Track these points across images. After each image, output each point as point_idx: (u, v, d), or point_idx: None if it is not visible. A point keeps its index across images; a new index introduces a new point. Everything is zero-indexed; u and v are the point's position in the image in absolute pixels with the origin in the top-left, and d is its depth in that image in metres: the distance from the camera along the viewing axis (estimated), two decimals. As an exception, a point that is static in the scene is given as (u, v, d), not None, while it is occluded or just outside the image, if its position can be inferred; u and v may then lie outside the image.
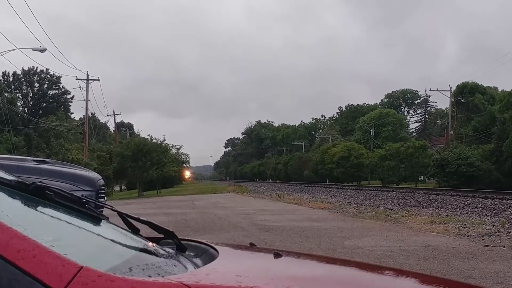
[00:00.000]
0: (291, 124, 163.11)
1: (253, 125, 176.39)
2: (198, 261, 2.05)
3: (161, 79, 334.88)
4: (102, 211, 3.03)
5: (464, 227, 15.49)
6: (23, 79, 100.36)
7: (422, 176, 65.53)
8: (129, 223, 2.27)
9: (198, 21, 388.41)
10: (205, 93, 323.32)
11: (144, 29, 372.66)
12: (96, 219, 2.08)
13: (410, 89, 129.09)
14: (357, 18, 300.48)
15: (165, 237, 2.30)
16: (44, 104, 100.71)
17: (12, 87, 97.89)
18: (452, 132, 68.25)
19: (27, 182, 1.90)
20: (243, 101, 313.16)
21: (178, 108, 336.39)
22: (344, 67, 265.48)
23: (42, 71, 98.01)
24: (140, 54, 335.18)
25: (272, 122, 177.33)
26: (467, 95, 77.00)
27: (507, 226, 15.73)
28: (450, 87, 69.30)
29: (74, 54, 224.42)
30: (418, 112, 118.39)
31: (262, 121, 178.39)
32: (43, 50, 40.35)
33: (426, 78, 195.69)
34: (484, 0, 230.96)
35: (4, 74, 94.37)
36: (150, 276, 1.59)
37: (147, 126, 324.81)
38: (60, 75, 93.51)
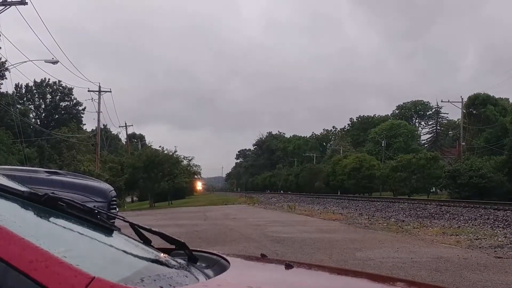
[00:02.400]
0: (302, 136, 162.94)
1: (265, 137, 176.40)
2: (209, 272, 2.05)
3: (175, 91, 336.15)
4: (113, 222, 3.04)
5: (476, 239, 15.39)
6: (35, 91, 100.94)
7: (433, 188, 65.29)
8: (141, 234, 2.28)
9: (213, 32, 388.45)
10: (218, 105, 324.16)
11: (158, 40, 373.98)
12: (108, 230, 2.09)
13: (422, 100, 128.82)
14: (375, 29, 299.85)
15: (177, 248, 2.30)
16: (56, 116, 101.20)
17: (25, 98, 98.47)
18: (464, 143, 67.96)
19: (40, 193, 1.91)
20: (256, 113, 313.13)
21: (190, 120, 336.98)
22: (360, 78, 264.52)
23: (54, 82, 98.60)
24: (153, 66, 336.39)
25: (283, 133, 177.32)
26: (479, 106, 76.81)
27: (520, 238, 15.61)
28: (462, 99, 69.08)
29: (88, 66, 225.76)
30: (430, 123, 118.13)
31: (273, 133, 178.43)
32: (55, 62, 40.59)
33: (444, 89, 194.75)
34: (507, 10, 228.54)
35: (17, 86, 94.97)
36: (162, 287, 1.59)
37: (159, 138, 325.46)
38: (72, 86, 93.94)
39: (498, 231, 17.73)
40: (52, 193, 1.93)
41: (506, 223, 20.38)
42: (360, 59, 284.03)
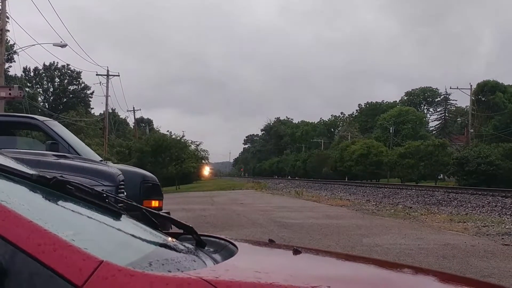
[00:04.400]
0: (310, 121, 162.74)
1: (272, 122, 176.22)
2: (217, 256, 2.05)
3: (183, 75, 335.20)
4: (122, 206, 3.05)
5: (484, 226, 15.38)
6: (44, 74, 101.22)
7: (441, 175, 65.23)
8: (149, 218, 2.28)
9: (225, 16, 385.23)
10: (226, 90, 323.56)
11: (170, 24, 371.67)
12: (116, 214, 2.09)
13: (430, 87, 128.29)
14: (390, 15, 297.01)
15: (185, 232, 2.30)
16: (65, 99, 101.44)
17: (33, 82, 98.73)
18: (472, 130, 67.81)
19: (48, 177, 1.91)
20: (264, 98, 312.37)
21: (199, 105, 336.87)
22: (372, 64, 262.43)
23: (63, 66, 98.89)
24: (164, 50, 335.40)
25: (292, 119, 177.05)
26: (488, 93, 76.54)
27: (527, 225, 15.59)
28: (471, 85, 68.78)
29: (97, 49, 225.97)
30: (438, 110, 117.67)
31: (282, 118, 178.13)
32: (63, 46, 40.58)
33: (457, 76, 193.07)
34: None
35: (25, 69, 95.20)
36: (170, 271, 1.59)
37: (167, 122, 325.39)
38: (81, 70, 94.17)
39: (506, 218, 17.71)
40: (61, 176, 1.93)
41: (514, 210, 20.35)
42: (372, 45, 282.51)
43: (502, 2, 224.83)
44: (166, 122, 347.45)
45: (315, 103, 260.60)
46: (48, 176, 1.91)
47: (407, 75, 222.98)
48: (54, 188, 1.89)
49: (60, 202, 1.88)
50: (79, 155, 9.27)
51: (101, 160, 10.05)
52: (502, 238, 12.74)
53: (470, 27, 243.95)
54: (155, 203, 9.75)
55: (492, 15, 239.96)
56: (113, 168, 8.04)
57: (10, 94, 10.71)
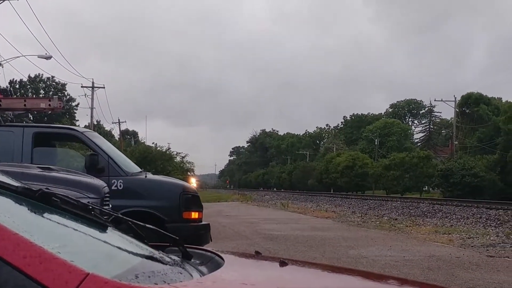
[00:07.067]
0: (296, 133, 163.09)
1: (258, 134, 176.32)
2: (203, 268, 2.04)
3: (171, 86, 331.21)
4: (108, 218, 3.03)
5: (469, 238, 15.45)
6: (29, 86, 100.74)
7: (426, 186, 65.49)
8: (135, 231, 2.27)
9: (217, 25, 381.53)
10: (212, 102, 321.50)
11: (158, 32, 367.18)
12: (102, 226, 2.09)
13: (415, 99, 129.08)
14: (381, 25, 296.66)
15: (171, 244, 2.30)
16: (50, 111, 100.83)
17: (18, 94, 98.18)
18: (456, 142, 68.10)
19: (34, 189, 1.90)
20: (250, 110, 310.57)
21: (184, 117, 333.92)
22: (360, 75, 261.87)
23: (48, 78, 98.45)
24: (149, 60, 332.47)
25: (277, 131, 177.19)
26: (472, 105, 77.03)
27: (511, 236, 15.68)
28: (455, 98, 69.18)
29: (83, 60, 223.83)
30: (423, 122, 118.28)
31: (267, 130, 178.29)
32: (48, 58, 40.47)
33: (445, 87, 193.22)
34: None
35: (11, 81, 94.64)
36: (156, 284, 1.59)
37: (152, 134, 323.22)
38: (66, 82, 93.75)
39: (490, 230, 17.81)
40: (46, 188, 1.93)
41: (498, 222, 20.47)
42: (361, 56, 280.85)
43: (491, 15, 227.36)
44: (152, 134, 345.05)
45: (302, 114, 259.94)
46: (33, 188, 1.90)
47: (395, 86, 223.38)
48: (39, 201, 1.88)
49: (45, 215, 1.87)
50: (119, 166, 9.39)
51: (140, 171, 10.15)
52: (487, 250, 12.81)
53: (458, 39, 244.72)
54: (194, 215, 9.80)
55: (479, 29, 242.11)
56: (98, 180, 7.99)
57: (50, 105, 10.68)
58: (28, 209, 1.88)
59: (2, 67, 38.07)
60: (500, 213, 23.73)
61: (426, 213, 27.08)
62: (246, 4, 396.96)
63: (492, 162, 50.79)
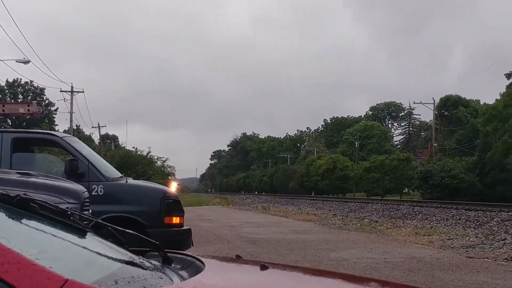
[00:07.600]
0: (277, 137, 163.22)
1: (239, 137, 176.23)
2: (184, 273, 2.04)
3: (151, 90, 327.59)
4: (87, 223, 3.01)
5: (448, 239, 15.56)
6: (7, 91, 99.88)
7: (406, 188, 65.78)
8: (115, 236, 2.26)
9: (198, 29, 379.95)
10: (193, 106, 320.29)
11: (138, 36, 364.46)
12: (81, 232, 2.07)
13: (394, 101, 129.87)
14: (361, 29, 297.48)
15: (151, 249, 2.29)
16: (29, 116, 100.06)
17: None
18: (435, 144, 68.55)
19: (12, 195, 1.88)
20: (231, 113, 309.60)
21: (165, 121, 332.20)
22: (341, 79, 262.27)
23: (26, 82, 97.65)
24: (130, 64, 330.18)
25: (258, 134, 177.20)
26: (450, 108, 77.69)
27: (490, 237, 15.81)
28: (434, 100, 69.56)
29: (62, 63, 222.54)
30: (403, 124, 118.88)
31: (248, 133, 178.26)
32: (26, 62, 40.19)
33: (425, 90, 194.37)
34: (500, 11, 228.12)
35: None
36: (136, 289, 1.58)
37: (134, 138, 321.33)
38: (44, 86, 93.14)
39: (470, 231, 17.93)
40: (24, 194, 1.91)
41: (477, 223, 20.60)
42: (342, 60, 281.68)
43: (469, 19, 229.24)
44: (132, 138, 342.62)
45: (282, 117, 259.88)
46: (11, 194, 1.88)
47: (375, 89, 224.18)
48: (17, 206, 1.87)
49: (24, 221, 1.85)
50: (99, 171, 9.34)
51: (121, 176, 10.09)
52: (466, 251, 12.90)
53: (437, 42, 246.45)
54: (176, 219, 9.77)
55: (458, 32, 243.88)
56: (78, 185, 7.94)
57: (28, 110, 10.56)
58: (6, 215, 1.86)
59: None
60: (479, 214, 23.88)
61: (406, 215, 27.21)
62: (227, 8, 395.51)
63: (470, 164, 51.15)
